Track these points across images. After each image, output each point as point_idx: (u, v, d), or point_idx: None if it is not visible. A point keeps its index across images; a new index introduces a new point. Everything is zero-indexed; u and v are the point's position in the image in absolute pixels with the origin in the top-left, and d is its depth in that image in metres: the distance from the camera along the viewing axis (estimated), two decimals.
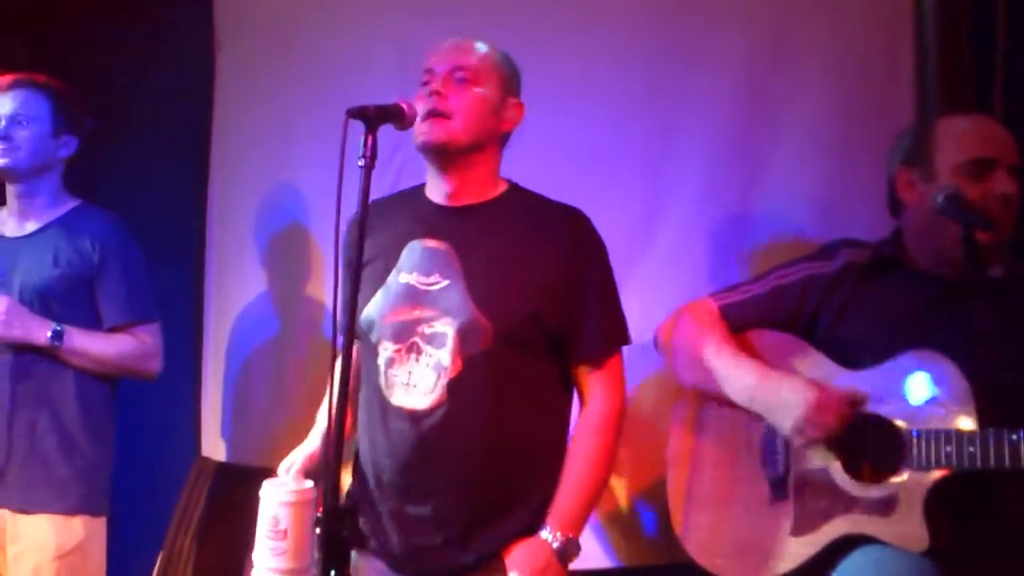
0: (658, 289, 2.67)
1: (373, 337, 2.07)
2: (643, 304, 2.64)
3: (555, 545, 1.99)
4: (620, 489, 2.70)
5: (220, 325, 3.16)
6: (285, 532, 1.84)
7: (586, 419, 2.09)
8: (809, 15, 2.70)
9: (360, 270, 1.80)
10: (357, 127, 1.75)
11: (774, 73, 2.70)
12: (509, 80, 2.15)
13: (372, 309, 2.08)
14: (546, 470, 2.06)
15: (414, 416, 2.01)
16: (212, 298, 3.20)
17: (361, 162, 1.74)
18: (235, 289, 3.15)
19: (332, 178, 1.68)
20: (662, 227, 2.75)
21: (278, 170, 3.10)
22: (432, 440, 2.00)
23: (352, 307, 1.77)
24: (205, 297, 3.22)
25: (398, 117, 1.90)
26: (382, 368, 2.06)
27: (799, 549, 2.10)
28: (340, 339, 1.73)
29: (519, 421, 2.04)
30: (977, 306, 2.03)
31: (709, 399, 2.29)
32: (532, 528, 2.02)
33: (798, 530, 2.11)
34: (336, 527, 1.64)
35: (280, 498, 1.86)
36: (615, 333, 2.12)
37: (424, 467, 2.01)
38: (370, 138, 1.75)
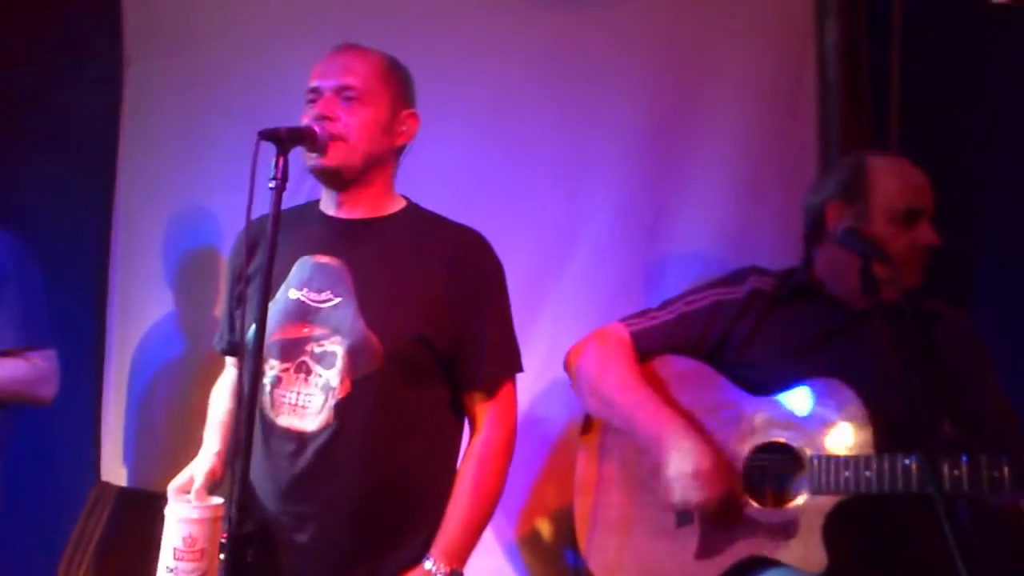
0: (569, 316, 2.70)
1: None
2: (554, 330, 2.67)
3: None
4: (534, 512, 2.70)
5: (123, 347, 3.09)
6: (202, 552, 1.75)
7: (475, 448, 2.05)
8: (717, 51, 2.76)
9: (270, 284, 1.75)
10: (268, 149, 1.74)
11: (683, 106, 2.76)
12: (400, 92, 2.08)
13: None
14: (434, 499, 2.02)
15: (301, 438, 1.94)
16: (115, 320, 3.12)
17: (272, 184, 1.72)
18: (140, 311, 3.08)
19: (243, 200, 1.67)
20: (573, 254, 2.78)
21: (187, 191, 3.05)
22: (315, 462, 1.93)
23: (262, 318, 1.71)
24: (108, 319, 3.13)
25: (310, 139, 1.90)
26: (267, 387, 1.98)
27: (703, 572, 2.13)
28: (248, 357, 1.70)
29: (407, 446, 1.99)
30: (876, 335, 2.09)
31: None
32: (421, 560, 1.98)
33: (702, 553, 2.13)
34: (241, 551, 1.60)
35: (195, 515, 1.78)
36: (507, 360, 2.08)
37: (306, 491, 1.94)
38: (281, 160, 1.73)
